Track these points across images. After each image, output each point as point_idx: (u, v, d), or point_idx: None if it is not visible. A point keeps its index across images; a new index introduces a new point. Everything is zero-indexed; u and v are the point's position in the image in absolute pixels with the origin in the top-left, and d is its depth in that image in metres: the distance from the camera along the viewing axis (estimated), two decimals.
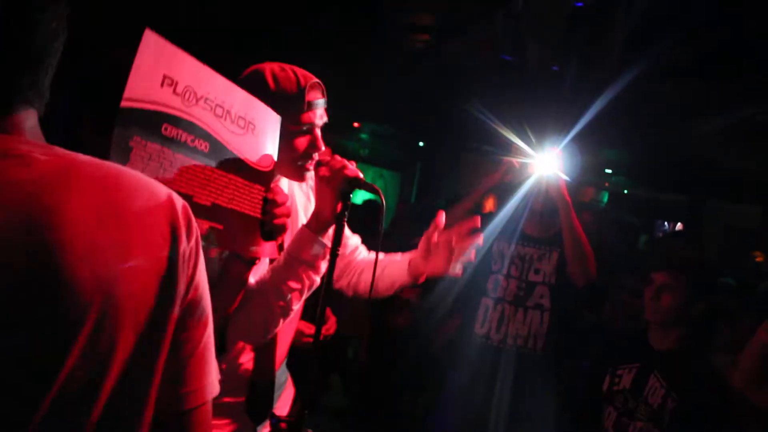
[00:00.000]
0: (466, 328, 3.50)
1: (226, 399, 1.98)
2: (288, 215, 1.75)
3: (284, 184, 2.07)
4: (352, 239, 2.34)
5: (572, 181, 3.31)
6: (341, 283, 2.31)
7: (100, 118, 1.48)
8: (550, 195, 3.30)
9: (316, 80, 1.93)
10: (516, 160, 3.37)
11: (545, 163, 3.31)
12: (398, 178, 9.46)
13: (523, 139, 3.43)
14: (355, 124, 8.56)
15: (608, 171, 8.95)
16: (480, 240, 2.10)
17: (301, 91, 1.88)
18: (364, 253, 2.34)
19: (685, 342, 2.79)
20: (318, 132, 1.95)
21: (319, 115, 1.93)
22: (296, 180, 2.01)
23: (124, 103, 1.29)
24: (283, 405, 2.16)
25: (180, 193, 1.40)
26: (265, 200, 1.70)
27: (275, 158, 1.76)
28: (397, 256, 2.23)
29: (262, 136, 1.70)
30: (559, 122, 3.76)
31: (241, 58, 2.03)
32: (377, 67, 5.88)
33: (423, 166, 9.11)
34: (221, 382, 1.88)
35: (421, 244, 2.11)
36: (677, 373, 2.72)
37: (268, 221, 1.70)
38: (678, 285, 2.73)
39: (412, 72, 6.04)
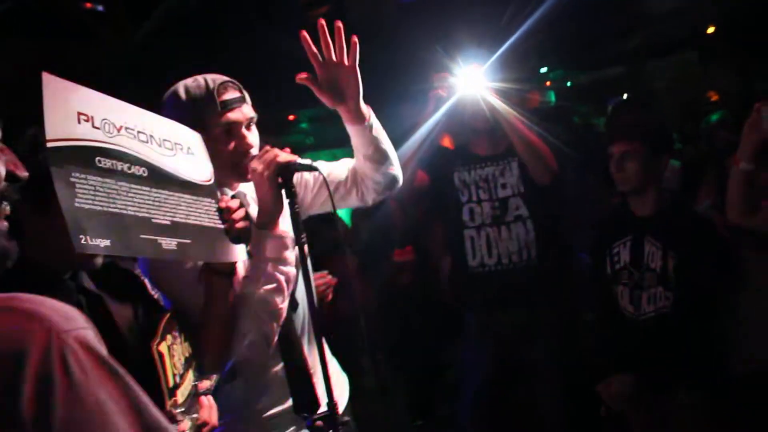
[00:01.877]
0: (460, 266, 3.50)
1: (273, 410, 2.03)
2: (246, 216, 1.76)
3: (247, 190, 2.06)
4: (336, 172, 2.25)
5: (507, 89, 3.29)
6: (370, 198, 2.25)
7: (35, 196, 1.46)
8: (489, 111, 3.29)
9: (227, 79, 1.93)
10: (441, 89, 3.32)
11: (471, 80, 3.28)
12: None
13: (446, 61, 3.39)
14: (290, 117, 8.51)
15: (543, 70, 8.95)
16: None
17: (210, 93, 1.88)
18: (347, 167, 2.26)
19: (663, 198, 2.83)
20: (245, 130, 1.94)
21: (241, 113, 1.93)
22: (239, 181, 2.01)
23: (50, 144, 1.30)
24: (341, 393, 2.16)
25: (138, 217, 1.45)
26: (219, 210, 1.73)
27: (211, 170, 1.78)
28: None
29: (192, 152, 1.74)
30: (478, 37, 3.72)
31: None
32: (288, 54, 5.83)
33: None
34: (261, 399, 1.96)
35: (326, 97, 2.01)
36: (667, 231, 2.77)
37: (231, 228, 1.72)
38: (635, 148, 2.76)
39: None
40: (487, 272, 3.39)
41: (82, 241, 1.30)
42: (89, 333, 0.88)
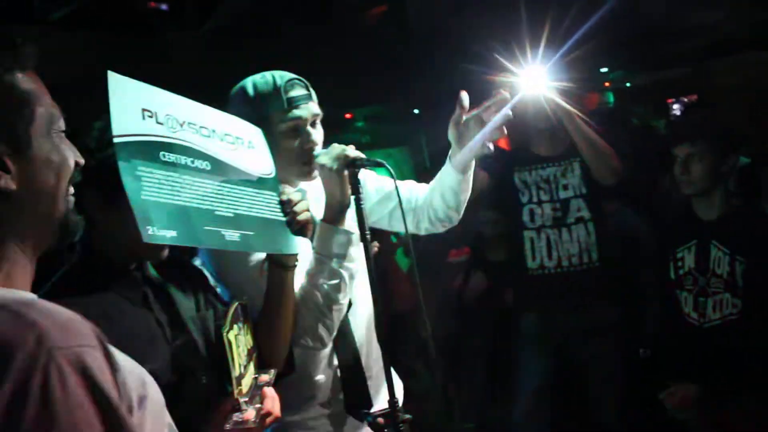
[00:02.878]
0: (518, 267, 3.46)
1: (327, 410, 2.04)
2: (308, 209, 1.78)
3: (309, 189, 2.09)
4: (409, 189, 2.28)
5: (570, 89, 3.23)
6: (423, 226, 2.27)
7: (103, 189, 1.50)
8: (551, 110, 3.23)
9: (294, 76, 1.96)
10: (504, 89, 3.26)
11: (533, 80, 3.22)
12: (407, 151, 9.42)
13: (508, 60, 3.34)
14: (347, 115, 8.55)
15: (604, 70, 8.78)
16: (509, 110, 2.03)
17: (277, 89, 1.92)
18: (421, 190, 2.27)
19: (730, 202, 2.75)
20: (310, 127, 1.96)
21: (306, 110, 1.95)
22: (303, 179, 2.03)
23: (116, 139, 1.34)
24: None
25: (202, 209, 1.48)
26: (281, 203, 1.75)
27: (272, 165, 1.81)
28: (442, 169, 2.18)
29: (253, 146, 1.78)
30: (540, 36, 3.65)
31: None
32: (345, 54, 5.84)
33: (426, 131, 9.07)
34: (316, 396, 1.99)
35: (451, 132, 2.05)
36: (734, 235, 2.68)
37: (293, 220, 1.75)
38: (701, 150, 2.68)
39: (381, 45, 6.00)
40: (547, 274, 3.34)
41: (150, 232, 1.34)
42: (88, 353, 0.85)
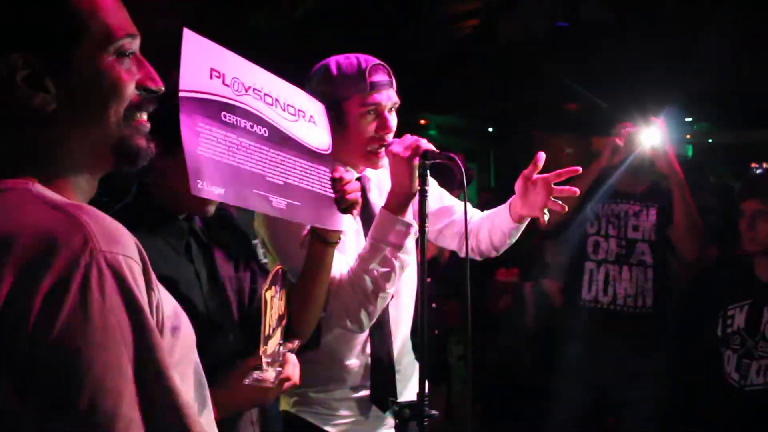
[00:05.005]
0: (571, 296, 3.41)
1: (353, 394, 2.06)
2: (358, 190, 1.79)
3: (372, 176, 2.12)
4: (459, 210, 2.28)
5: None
6: (460, 249, 2.29)
7: (165, 136, 1.54)
8: (657, 159, 3.16)
9: (378, 61, 1.97)
10: (619, 138, 3.19)
11: (648, 135, 3.14)
12: (474, 167, 9.40)
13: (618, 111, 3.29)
14: (422, 122, 8.56)
15: (689, 119, 8.55)
16: (577, 192, 2.04)
17: (362, 72, 1.92)
18: (476, 216, 2.29)
19: None
20: (387, 114, 1.96)
21: (386, 97, 1.96)
22: (370, 166, 2.04)
23: (181, 93, 1.38)
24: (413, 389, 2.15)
25: (254, 173, 1.51)
26: (333, 180, 1.76)
27: (330, 142, 1.83)
28: (500, 208, 2.19)
29: (313, 121, 1.80)
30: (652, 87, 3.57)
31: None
32: (430, 60, 5.86)
33: (496, 151, 9.02)
34: (345, 380, 2.03)
35: (519, 184, 2.04)
36: None
37: (342, 198, 1.75)
38: None
39: (468, 58, 5.99)
40: (600, 309, 3.28)
41: (199, 185, 1.37)
42: (128, 262, 0.87)
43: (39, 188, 0.93)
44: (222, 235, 1.81)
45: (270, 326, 1.58)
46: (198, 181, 1.37)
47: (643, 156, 3.18)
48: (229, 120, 1.49)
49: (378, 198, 2.10)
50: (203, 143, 1.40)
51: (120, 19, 1.01)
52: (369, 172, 2.12)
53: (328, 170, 1.78)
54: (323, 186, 1.75)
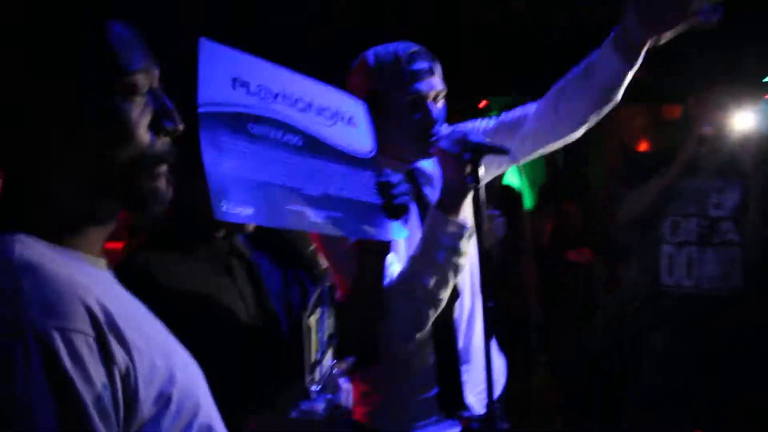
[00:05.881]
0: (648, 282, 3.18)
1: (417, 396, 1.95)
2: (407, 193, 1.66)
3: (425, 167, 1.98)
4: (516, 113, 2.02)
5: None
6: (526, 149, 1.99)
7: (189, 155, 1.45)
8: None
9: (419, 48, 1.87)
10: (708, 128, 2.90)
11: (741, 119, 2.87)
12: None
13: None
14: (482, 104, 8.35)
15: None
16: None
17: (399, 61, 1.82)
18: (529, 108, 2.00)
19: None
20: (431, 105, 1.84)
21: (428, 85, 1.84)
22: (420, 156, 1.93)
23: (201, 109, 1.27)
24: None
25: (287, 187, 1.40)
26: (378, 184, 1.64)
27: (372, 143, 1.71)
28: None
29: (353, 123, 1.67)
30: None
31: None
32: (486, 41, 5.66)
33: None
34: (409, 378, 1.90)
35: None
36: None
37: (389, 204, 1.62)
38: None
39: (526, 36, 5.76)
40: (683, 294, 3.05)
41: (223, 208, 1.26)
42: (70, 338, 0.78)
43: (19, 241, 0.86)
44: (266, 246, 1.71)
45: (316, 350, 1.47)
46: (222, 203, 1.26)
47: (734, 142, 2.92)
48: (257, 132, 1.38)
49: (434, 191, 1.97)
50: (227, 160, 1.30)
51: (132, 52, 0.92)
52: (424, 164, 2.00)
53: (372, 175, 1.64)
54: (367, 193, 1.62)
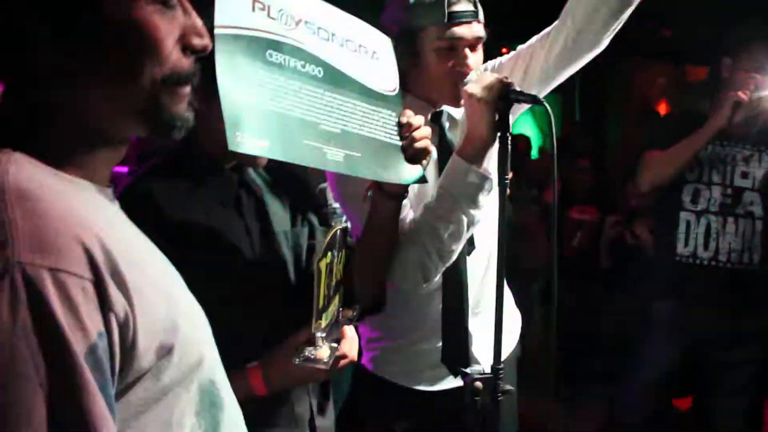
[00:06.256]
0: (664, 250, 3.06)
1: (423, 346, 1.93)
2: (429, 136, 1.56)
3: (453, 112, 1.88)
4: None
5: None
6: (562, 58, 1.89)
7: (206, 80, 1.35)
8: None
9: None
10: (744, 92, 2.69)
11: None
12: (558, 99, 8.98)
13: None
14: (504, 50, 8.18)
15: None
16: None
17: (441, 1, 1.70)
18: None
19: None
20: (467, 51, 1.74)
21: (469, 29, 1.73)
22: (450, 103, 1.84)
23: (217, 31, 1.17)
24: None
25: (305, 120, 1.31)
26: (399, 125, 1.54)
27: (397, 81, 1.60)
28: None
29: (377, 57, 1.57)
30: None
31: None
32: None
33: (582, 81, 8.54)
34: (416, 327, 1.87)
35: None
36: None
37: (409, 146, 1.52)
38: None
39: None
40: (698, 265, 2.93)
41: (238, 139, 1.18)
42: (62, 279, 0.70)
43: (17, 162, 0.77)
44: (278, 182, 1.63)
45: (324, 296, 1.41)
46: (237, 133, 1.17)
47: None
48: (276, 59, 1.28)
49: (460, 137, 1.88)
50: (244, 88, 1.21)
51: None
52: (450, 108, 1.89)
53: (393, 114, 1.54)
54: (388, 133, 1.52)
